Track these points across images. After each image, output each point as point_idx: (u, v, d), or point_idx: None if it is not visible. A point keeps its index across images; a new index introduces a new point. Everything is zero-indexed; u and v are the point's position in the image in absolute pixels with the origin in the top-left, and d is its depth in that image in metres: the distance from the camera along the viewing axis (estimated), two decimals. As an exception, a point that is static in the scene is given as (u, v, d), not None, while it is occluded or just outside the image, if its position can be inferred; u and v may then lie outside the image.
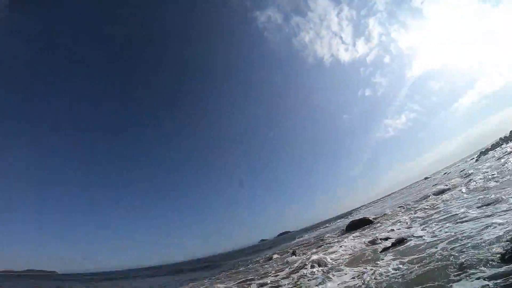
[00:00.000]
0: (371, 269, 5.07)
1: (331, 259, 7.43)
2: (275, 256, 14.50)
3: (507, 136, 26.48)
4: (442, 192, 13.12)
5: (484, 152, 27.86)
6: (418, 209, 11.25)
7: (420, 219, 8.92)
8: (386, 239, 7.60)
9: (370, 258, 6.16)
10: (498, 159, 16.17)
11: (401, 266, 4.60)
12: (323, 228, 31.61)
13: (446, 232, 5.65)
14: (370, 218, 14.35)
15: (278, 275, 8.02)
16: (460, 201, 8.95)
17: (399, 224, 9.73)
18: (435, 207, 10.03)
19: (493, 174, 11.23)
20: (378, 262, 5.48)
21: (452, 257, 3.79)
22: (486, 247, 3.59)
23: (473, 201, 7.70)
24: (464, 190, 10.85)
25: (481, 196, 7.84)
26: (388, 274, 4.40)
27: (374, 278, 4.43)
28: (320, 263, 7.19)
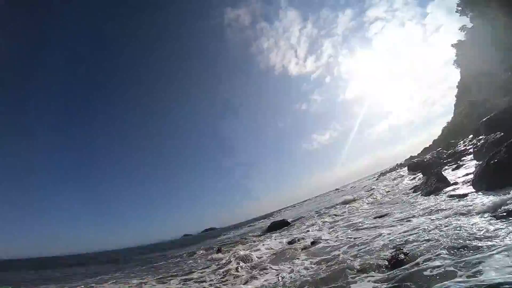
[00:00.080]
0: (289, 267, 5.59)
1: (256, 256, 7.88)
2: (200, 251, 14.29)
3: (402, 163, 33.97)
4: (348, 202, 15.50)
5: (383, 173, 34.99)
6: (328, 215, 13.06)
7: (328, 224, 10.37)
8: (302, 240, 8.49)
9: (288, 256, 6.78)
10: (393, 179, 20.17)
11: (313, 266, 5.22)
12: (247, 227, 33.02)
13: (348, 237, 6.71)
14: (288, 221, 15.78)
15: (205, 271, 7.97)
16: (361, 211, 10.77)
17: (312, 227, 11.05)
18: (342, 214, 11.80)
19: (387, 192, 13.94)
20: (294, 261, 6.07)
21: (350, 260, 4.53)
22: (376, 253, 4.42)
23: (370, 213, 9.35)
24: (365, 202, 13.12)
25: (377, 209, 9.60)
26: (302, 273, 4.93)
27: (290, 277, 4.90)
28: (245, 259, 7.55)
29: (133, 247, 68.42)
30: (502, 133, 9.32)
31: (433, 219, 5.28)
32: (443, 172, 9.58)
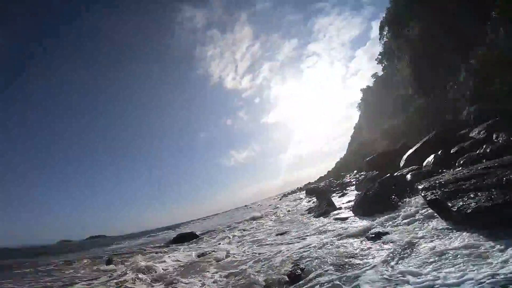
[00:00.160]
0: (200, 281, 5.40)
1: (162, 268, 7.13)
2: (84, 261, 11.51)
3: (301, 187, 39.45)
4: (256, 219, 16.26)
5: (286, 195, 39.41)
6: (238, 229, 13.26)
7: (237, 238, 10.49)
8: (213, 252, 8.30)
9: (198, 269, 6.49)
10: (293, 200, 22.68)
11: (223, 279, 5.19)
12: (147, 237, 29.37)
13: (254, 252, 6.93)
14: (197, 233, 15.09)
15: (92, 282, 6.73)
16: (266, 227, 11.44)
17: (223, 240, 10.91)
18: (250, 229, 12.20)
19: (288, 211, 15.47)
20: (204, 273, 5.90)
21: (255, 275, 4.62)
22: (277, 269, 4.68)
23: (273, 230, 10.03)
24: (270, 219, 14.07)
25: (278, 227, 10.40)
26: (212, 287, 4.84)
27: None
28: (147, 271, 6.75)
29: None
30: (378, 172, 12.13)
31: (322, 238, 6.12)
32: (332, 198, 11.46)
